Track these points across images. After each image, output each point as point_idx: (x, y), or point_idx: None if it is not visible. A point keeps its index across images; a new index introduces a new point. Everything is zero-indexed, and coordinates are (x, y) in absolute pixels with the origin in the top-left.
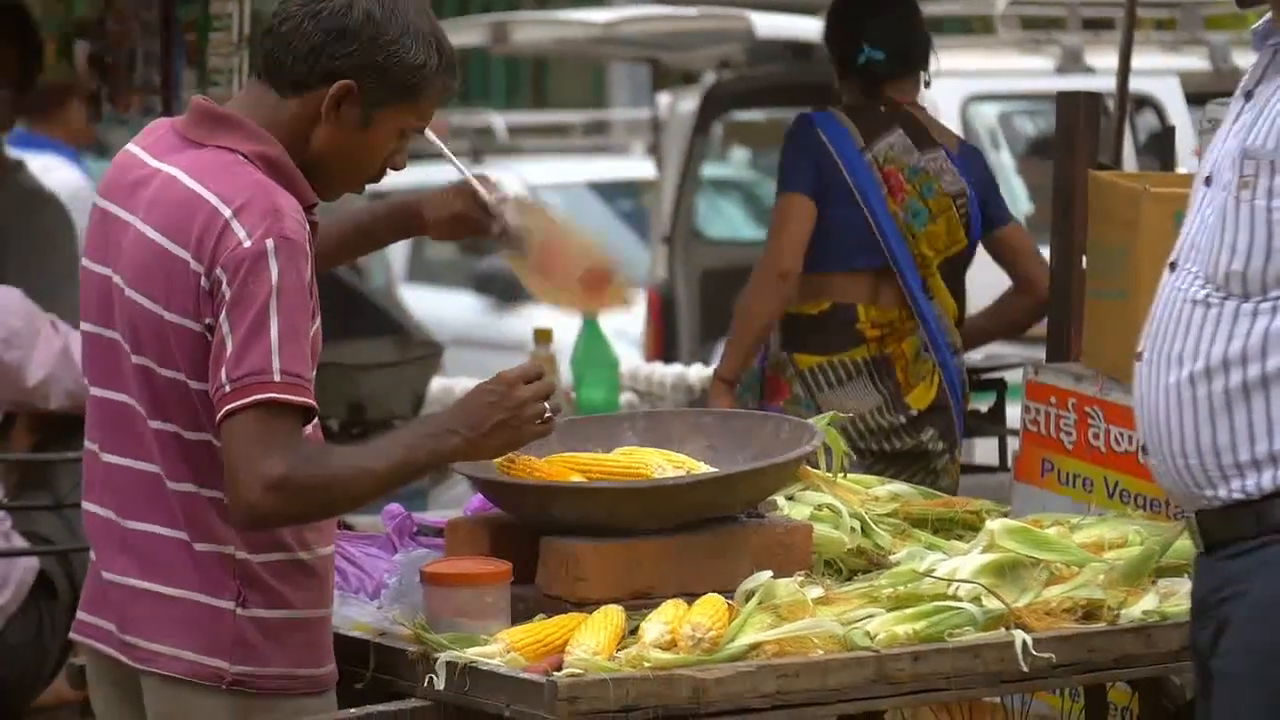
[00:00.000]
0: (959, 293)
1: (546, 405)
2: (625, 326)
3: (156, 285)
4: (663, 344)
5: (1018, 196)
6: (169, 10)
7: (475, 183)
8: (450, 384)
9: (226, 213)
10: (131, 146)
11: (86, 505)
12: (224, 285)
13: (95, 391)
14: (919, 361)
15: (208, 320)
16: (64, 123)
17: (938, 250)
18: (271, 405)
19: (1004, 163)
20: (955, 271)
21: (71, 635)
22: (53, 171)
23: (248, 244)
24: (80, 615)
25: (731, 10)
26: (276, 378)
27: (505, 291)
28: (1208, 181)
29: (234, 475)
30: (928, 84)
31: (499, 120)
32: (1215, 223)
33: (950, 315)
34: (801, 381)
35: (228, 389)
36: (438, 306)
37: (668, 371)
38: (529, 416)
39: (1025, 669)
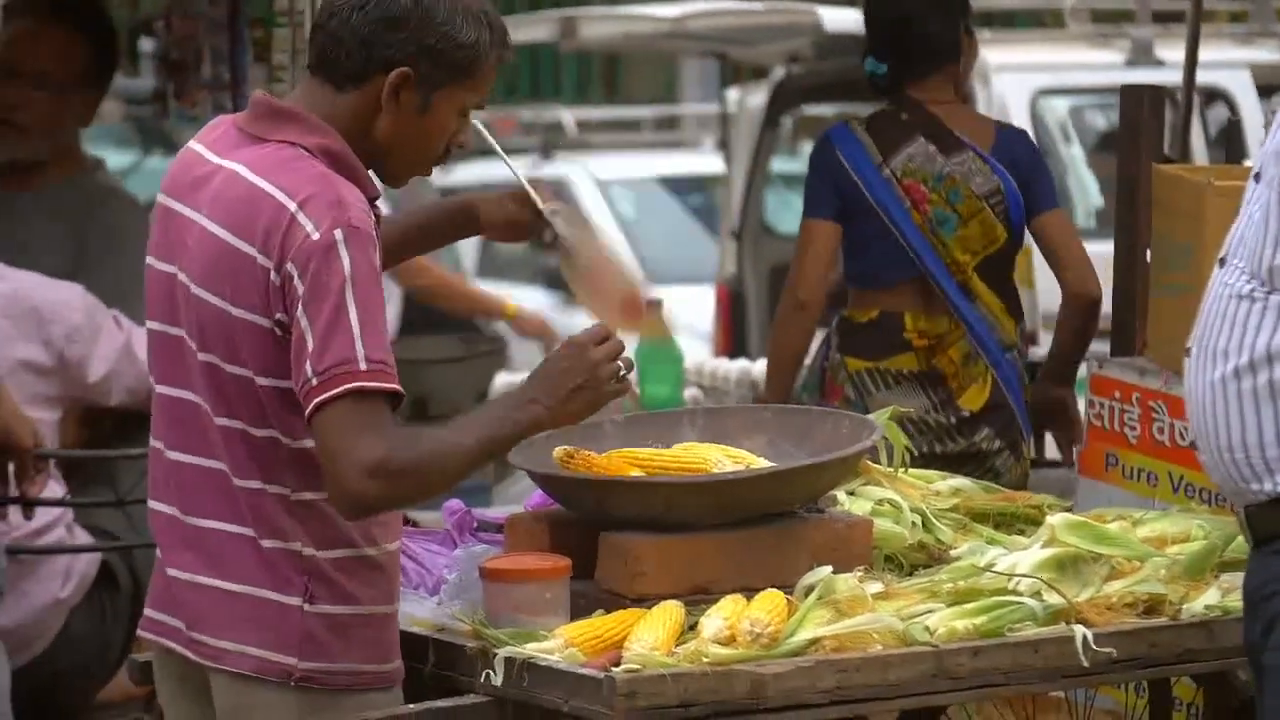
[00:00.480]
0: (1008, 287)
1: (620, 364)
2: (694, 322)
3: (223, 282)
4: (731, 339)
5: (1088, 190)
6: (235, 7)
7: (529, 188)
8: (516, 379)
9: (292, 206)
10: (193, 144)
11: (152, 503)
12: (295, 280)
13: (161, 389)
14: (969, 365)
15: (278, 316)
16: None
17: (974, 252)
18: (360, 393)
19: (1074, 157)
20: (1000, 267)
21: (139, 632)
22: None
23: (316, 236)
24: (147, 612)
25: (800, 5)
26: (362, 365)
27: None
28: (1256, 177)
29: (333, 466)
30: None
31: (568, 116)
32: (1260, 218)
33: (997, 313)
34: (853, 384)
35: (314, 383)
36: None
37: (732, 367)
38: (605, 377)
39: (1085, 664)
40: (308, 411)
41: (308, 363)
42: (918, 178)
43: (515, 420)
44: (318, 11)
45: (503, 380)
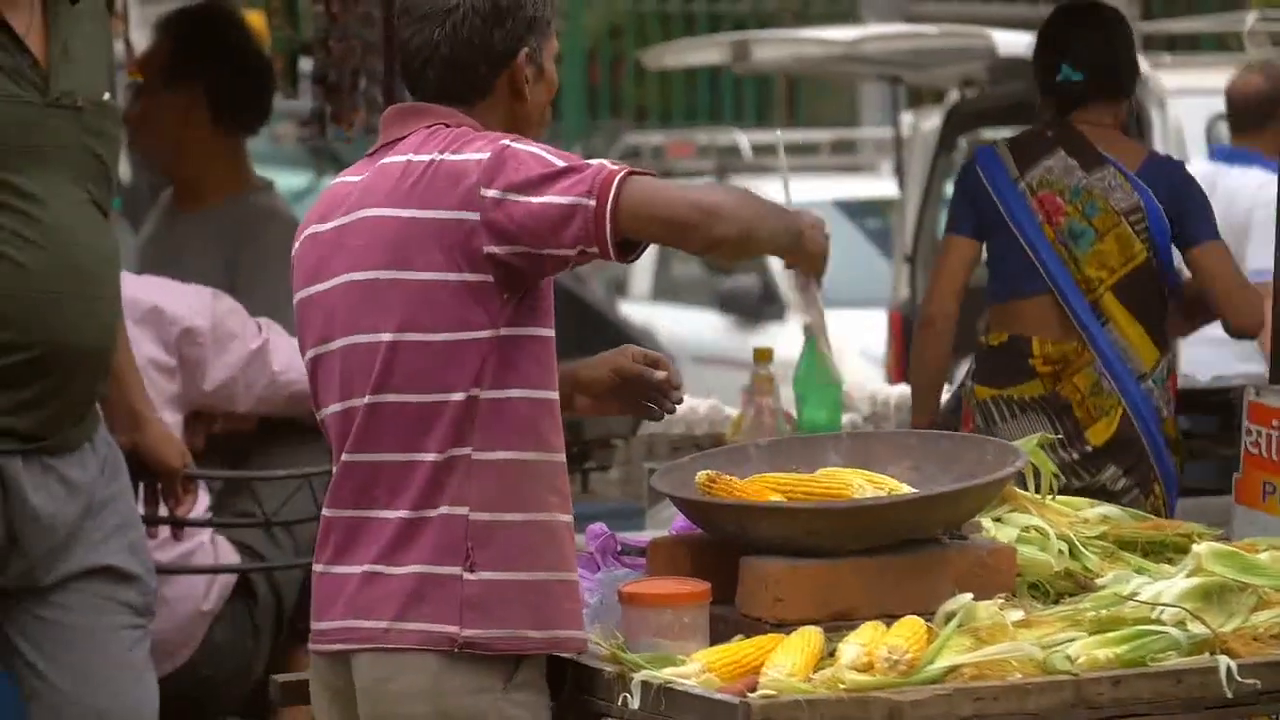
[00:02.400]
0: (1151, 312)
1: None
2: (869, 347)
3: (404, 252)
4: (905, 364)
5: None
6: (390, 29)
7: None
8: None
9: (454, 157)
10: (336, 179)
11: (326, 511)
12: (493, 190)
13: (330, 411)
14: (1098, 395)
15: (487, 248)
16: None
17: (1110, 269)
18: (633, 175)
19: None
20: (1141, 288)
21: (311, 648)
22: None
23: (485, 155)
24: (313, 628)
25: (973, 28)
26: (612, 166)
27: (748, 310)
28: None
29: (682, 218)
30: (1133, 113)
31: (744, 139)
32: None
33: (1133, 338)
34: (981, 413)
35: (593, 202)
36: (681, 325)
37: (892, 391)
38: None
39: (1229, 695)
40: (612, 227)
41: (570, 203)
42: (1054, 189)
43: (790, 215)
44: (411, 49)
45: None
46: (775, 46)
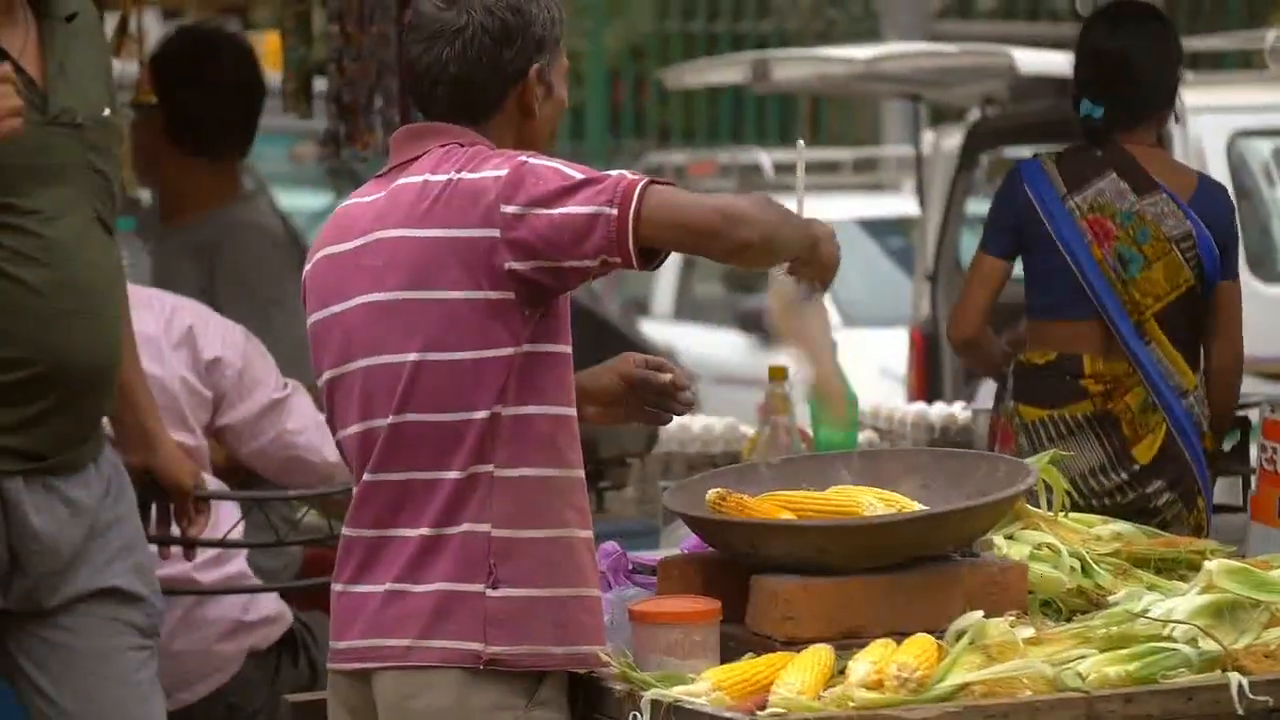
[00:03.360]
0: (1190, 341)
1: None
2: (889, 365)
3: (426, 272)
4: (926, 382)
5: None
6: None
7: (673, 371)
8: (688, 421)
9: (472, 175)
10: (348, 201)
11: (347, 531)
12: (513, 207)
13: (348, 433)
14: (1146, 413)
15: (509, 265)
16: None
17: (1157, 295)
18: (654, 184)
19: (1277, 200)
20: (1184, 316)
21: (329, 667)
22: None
23: (504, 171)
24: (331, 647)
25: (994, 47)
26: (632, 176)
27: (769, 329)
28: None
29: (704, 223)
30: (1177, 120)
31: (765, 158)
32: None
33: (1172, 360)
34: (1026, 434)
35: (614, 211)
36: (703, 344)
37: (909, 409)
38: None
39: (1240, 712)
40: (629, 233)
41: (590, 212)
42: (1106, 213)
43: (805, 223)
44: (420, 68)
45: (677, 421)
46: (795, 65)
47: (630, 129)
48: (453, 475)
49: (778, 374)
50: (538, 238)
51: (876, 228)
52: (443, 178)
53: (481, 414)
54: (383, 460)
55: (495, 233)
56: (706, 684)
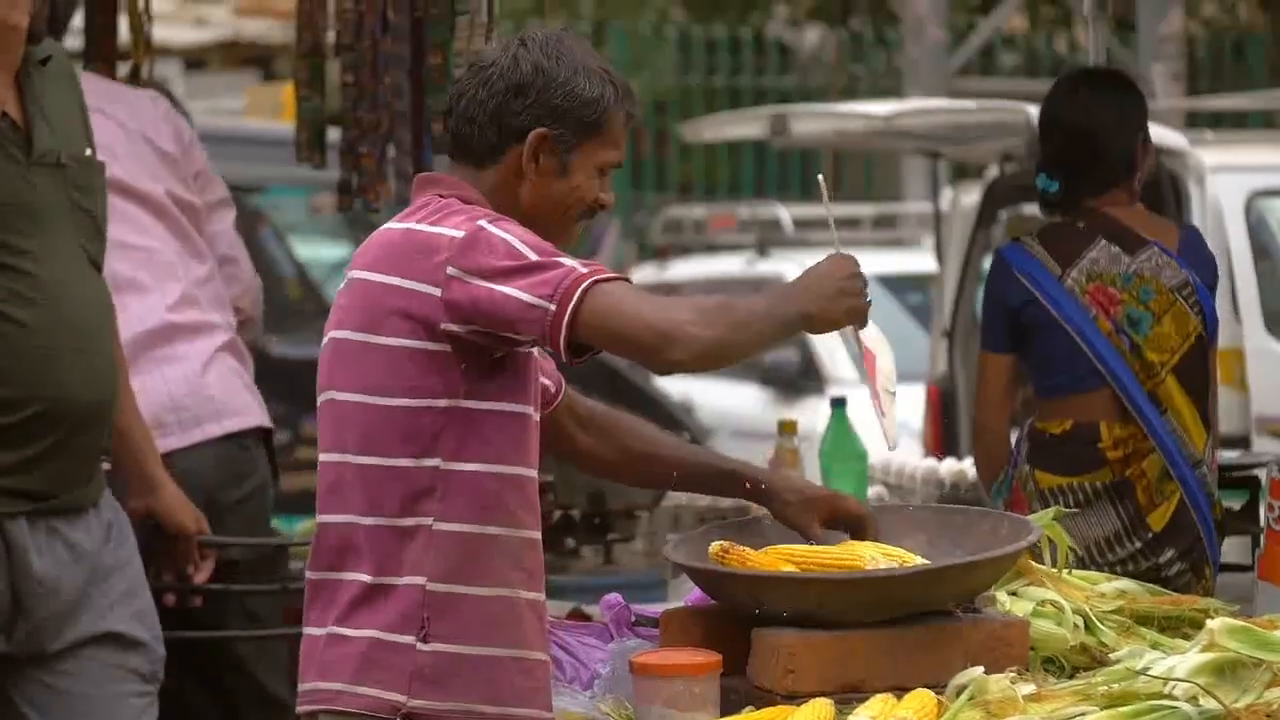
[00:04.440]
0: (1203, 391)
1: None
2: (906, 420)
3: (375, 315)
4: (942, 438)
5: None
6: (419, 100)
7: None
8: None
9: (430, 229)
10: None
11: (308, 573)
12: (457, 270)
13: (320, 461)
14: (1163, 480)
15: (445, 325)
16: None
17: (1171, 350)
18: (600, 284)
19: None
20: (1197, 365)
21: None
22: None
23: (460, 233)
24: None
25: (1011, 103)
26: (582, 269)
27: (789, 384)
28: None
29: (636, 339)
30: (1141, 184)
31: (785, 213)
32: None
33: (1188, 422)
34: (1041, 500)
35: (553, 307)
36: (721, 397)
37: (919, 465)
38: (862, 287)
39: None
40: (565, 330)
41: (530, 302)
42: (1105, 280)
43: (792, 302)
44: (451, 101)
45: None
46: (814, 121)
47: (651, 182)
48: (391, 523)
49: (788, 428)
50: (474, 307)
51: (895, 284)
52: (404, 226)
53: (418, 463)
54: (328, 501)
55: (437, 291)
56: None
